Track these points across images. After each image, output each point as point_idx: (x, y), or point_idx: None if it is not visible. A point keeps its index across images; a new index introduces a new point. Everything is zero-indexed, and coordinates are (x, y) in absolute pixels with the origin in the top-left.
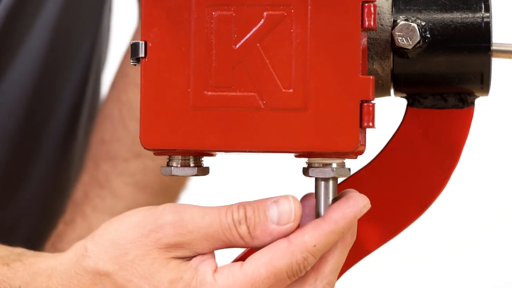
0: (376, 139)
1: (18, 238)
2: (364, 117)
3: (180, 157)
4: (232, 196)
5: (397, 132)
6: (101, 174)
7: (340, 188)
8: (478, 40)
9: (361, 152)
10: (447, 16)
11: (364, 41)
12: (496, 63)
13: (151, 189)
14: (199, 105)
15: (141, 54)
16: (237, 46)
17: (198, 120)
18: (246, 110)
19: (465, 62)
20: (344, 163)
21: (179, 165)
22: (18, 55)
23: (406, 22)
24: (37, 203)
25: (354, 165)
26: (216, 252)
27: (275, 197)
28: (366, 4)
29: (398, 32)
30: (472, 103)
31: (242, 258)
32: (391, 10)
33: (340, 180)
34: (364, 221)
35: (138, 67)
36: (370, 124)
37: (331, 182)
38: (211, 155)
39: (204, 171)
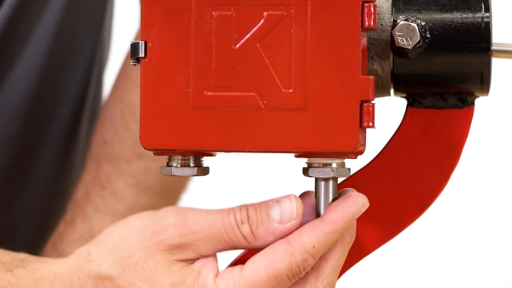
0: (376, 139)
1: (20, 239)
2: (364, 117)
3: (180, 157)
4: (233, 197)
5: (397, 132)
6: (102, 174)
7: (340, 188)
8: (478, 40)
9: (361, 152)
10: (447, 16)
11: (364, 41)
12: (496, 63)
13: (152, 190)
14: (199, 105)
15: (141, 54)
16: (237, 46)
17: (198, 120)
18: (246, 110)
19: (465, 62)
20: (344, 163)
21: (179, 165)
22: (21, 56)
23: (406, 22)
24: (39, 204)
25: (354, 165)
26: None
27: (276, 197)
28: (366, 4)
29: (398, 32)
30: (472, 103)
31: (239, 260)
32: (391, 10)
33: (340, 180)
34: (364, 221)
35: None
36: (370, 124)
37: (331, 182)
38: (211, 155)
39: (204, 171)
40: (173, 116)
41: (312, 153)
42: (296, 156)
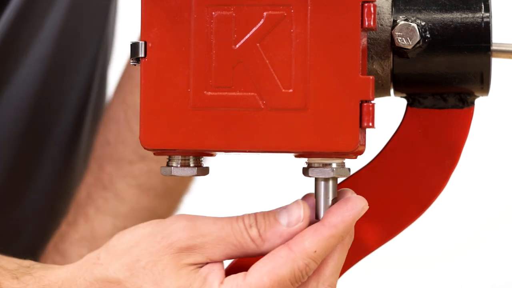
0: (376, 139)
1: (22, 241)
2: (364, 117)
3: (180, 157)
4: (234, 198)
5: (397, 132)
6: (105, 175)
7: (340, 187)
8: (478, 40)
9: (361, 152)
10: (447, 16)
11: (364, 41)
12: (496, 63)
13: (154, 192)
14: (199, 105)
15: (141, 54)
16: (237, 46)
17: (198, 120)
18: (246, 110)
19: (465, 62)
20: (344, 163)
21: (179, 165)
22: (24, 60)
23: (406, 22)
24: (41, 205)
25: (354, 165)
26: None
27: (284, 206)
28: (366, 4)
29: (398, 32)
30: (472, 103)
31: (236, 264)
32: (391, 10)
33: (340, 180)
34: (364, 221)
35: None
36: (370, 124)
37: (331, 182)
38: (211, 155)
39: (204, 171)
40: (173, 116)
41: (312, 153)
42: (296, 156)
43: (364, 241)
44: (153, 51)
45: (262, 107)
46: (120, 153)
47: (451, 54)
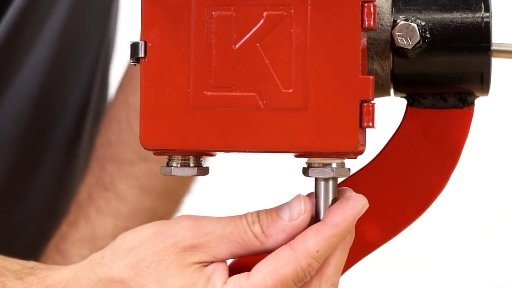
0: (376, 139)
1: (23, 241)
2: (364, 117)
3: (180, 157)
4: (235, 199)
5: (397, 132)
6: (106, 176)
7: (339, 187)
8: (478, 40)
9: (361, 152)
10: (447, 16)
11: (364, 41)
12: (496, 63)
13: (155, 193)
14: (199, 105)
15: (141, 54)
16: (237, 46)
17: (198, 120)
18: (246, 110)
19: (465, 62)
20: (344, 163)
21: (179, 165)
22: (26, 61)
23: (406, 22)
24: (42, 207)
25: (354, 165)
26: None
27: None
28: (366, 4)
29: (398, 32)
30: (472, 103)
31: (237, 263)
32: (391, 10)
33: (340, 180)
34: (364, 221)
35: None
36: (370, 124)
37: (331, 182)
38: (211, 155)
39: (204, 171)
40: (173, 116)
41: (312, 153)
42: (296, 156)
43: (364, 241)
44: (153, 51)
45: (262, 107)
46: (121, 154)
47: (451, 54)
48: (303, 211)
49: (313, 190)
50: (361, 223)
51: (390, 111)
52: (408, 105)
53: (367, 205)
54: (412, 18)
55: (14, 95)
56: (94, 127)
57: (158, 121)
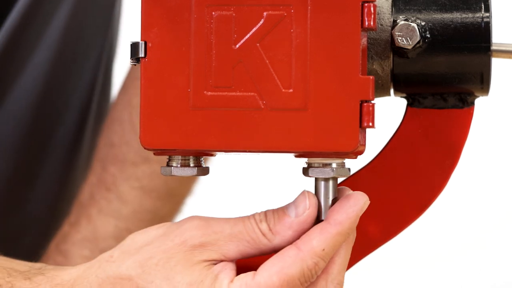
0: (376, 139)
1: (25, 242)
2: (364, 117)
3: (180, 157)
4: (236, 199)
5: (397, 132)
6: (108, 176)
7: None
8: (478, 40)
9: (361, 152)
10: (447, 16)
11: (364, 41)
12: (496, 63)
13: (157, 194)
14: (199, 105)
15: (141, 54)
16: (237, 46)
17: (198, 120)
18: (246, 110)
19: (465, 62)
20: (344, 163)
21: (179, 165)
22: (28, 63)
23: (406, 22)
24: (44, 208)
25: (354, 165)
26: None
27: None
28: (366, 4)
29: (398, 32)
30: (472, 103)
31: (243, 265)
32: (391, 10)
33: (340, 180)
34: (364, 221)
35: None
36: (370, 124)
37: (331, 182)
38: (211, 155)
39: (204, 171)
40: (173, 116)
41: (312, 153)
42: (296, 156)
43: (364, 241)
44: (153, 51)
45: (262, 107)
46: (123, 155)
47: (451, 54)
48: (308, 206)
49: (313, 190)
50: (362, 223)
51: (390, 111)
52: (408, 105)
53: (368, 202)
54: (412, 18)
55: (17, 96)
56: (96, 127)
57: (158, 121)
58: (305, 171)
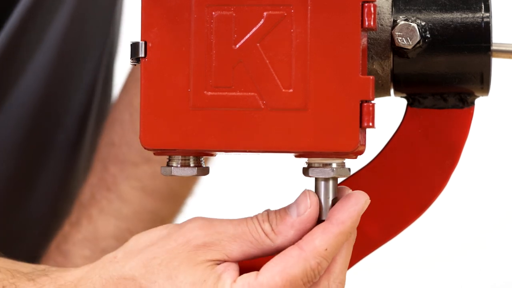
0: (376, 139)
1: (25, 243)
2: (364, 117)
3: (180, 157)
4: (237, 200)
5: (397, 132)
6: (109, 176)
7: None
8: (478, 40)
9: (361, 152)
10: (447, 16)
11: (364, 41)
12: (496, 63)
13: (158, 194)
14: (199, 105)
15: (141, 54)
16: (237, 46)
17: (198, 120)
18: (246, 110)
19: (465, 62)
20: (344, 163)
21: (179, 165)
22: (28, 66)
23: (406, 22)
24: (45, 209)
25: (354, 165)
26: None
27: None
28: (366, 4)
29: (398, 32)
30: (472, 103)
31: (246, 266)
32: (391, 10)
33: (340, 180)
34: (364, 221)
35: None
36: (370, 124)
37: (331, 182)
38: (211, 155)
39: (204, 171)
40: (173, 116)
41: (312, 153)
42: (296, 156)
43: (364, 241)
44: (153, 51)
45: (262, 107)
46: (124, 155)
47: (451, 54)
48: (309, 205)
49: (313, 190)
50: (362, 223)
51: (390, 111)
52: (408, 105)
53: (368, 201)
54: (412, 18)
55: (18, 97)
56: (97, 127)
57: (158, 121)
58: (305, 171)
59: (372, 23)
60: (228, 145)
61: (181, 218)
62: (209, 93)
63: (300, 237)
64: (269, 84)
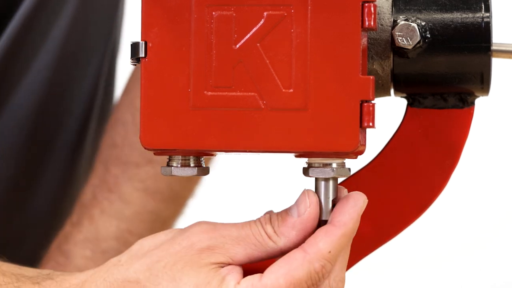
0: (376, 139)
1: (26, 245)
2: (364, 117)
3: (180, 157)
4: (238, 201)
5: (397, 132)
6: (110, 177)
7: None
8: (478, 40)
9: (361, 152)
10: (447, 16)
11: (364, 41)
12: (496, 63)
13: (160, 195)
14: (199, 105)
15: (141, 54)
16: (237, 46)
17: (198, 120)
18: (246, 110)
19: (465, 62)
20: (344, 163)
21: (179, 165)
22: (30, 68)
23: (406, 22)
24: (46, 211)
25: (354, 165)
26: None
27: None
28: (366, 4)
29: (398, 32)
30: (472, 103)
31: (249, 268)
32: (391, 10)
33: (340, 180)
34: (364, 221)
35: None
36: (370, 124)
37: (331, 182)
38: (211, 155)
39: (204, 171)
40: (173, 116)
41: (312, 153)
42: (296, 156)
43: (364, 241)
44: (153, 51)
45: (262, 107)
46: (126, 156)
47: (451, 54)
48: (308, 204)
49: (313, 190)
50: (362, 223)
51: (390, 111)
52: (408, 105)
53: (366, 201)
54: (412, 18)
55: (21, 97)
56: (99, 128)
57: (158, 121)
58: (305, 171)
59: (372, 23)
60: (228, 145)
61: (182, 219)
62: (209, 93)
63: (302, 238)
64: (269, 84)
